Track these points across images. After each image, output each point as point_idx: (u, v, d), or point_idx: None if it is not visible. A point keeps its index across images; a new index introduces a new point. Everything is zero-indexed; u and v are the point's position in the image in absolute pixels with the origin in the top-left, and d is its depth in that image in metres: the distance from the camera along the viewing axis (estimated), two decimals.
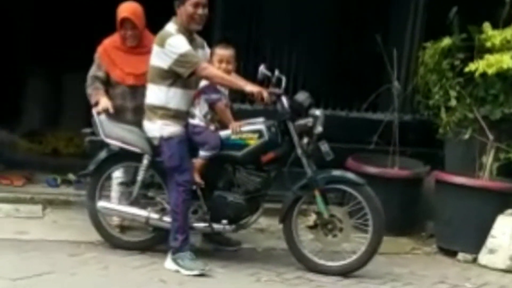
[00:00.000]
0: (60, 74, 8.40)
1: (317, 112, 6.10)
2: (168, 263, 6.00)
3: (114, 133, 6.17)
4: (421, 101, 7.71)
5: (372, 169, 7.33)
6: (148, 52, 6.12)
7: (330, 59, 8.33)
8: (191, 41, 5.99)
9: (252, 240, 6.74)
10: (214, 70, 6.01)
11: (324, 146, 6.03)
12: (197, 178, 6.06)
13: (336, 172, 6.16)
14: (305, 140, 6.05)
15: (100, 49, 6.46)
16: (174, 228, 6.00)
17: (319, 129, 6.03)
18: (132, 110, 6.37)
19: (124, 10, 6.36)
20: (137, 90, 6.31)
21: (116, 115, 6.29)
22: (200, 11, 5.96)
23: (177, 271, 5.91)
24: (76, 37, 8.13)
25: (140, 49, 6.39)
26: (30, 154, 8.34)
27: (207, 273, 5.93)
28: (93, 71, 6.45)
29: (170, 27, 5.99)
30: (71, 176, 6.97)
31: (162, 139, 5.99)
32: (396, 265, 6.61)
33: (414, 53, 8.03)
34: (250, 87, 5.93)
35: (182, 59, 5.86)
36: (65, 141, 8.47)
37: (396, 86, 7.62)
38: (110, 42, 6.47)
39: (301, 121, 6.06)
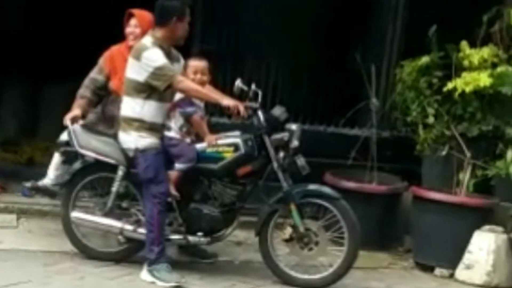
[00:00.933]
0: (37, 83, 8.36)
1: (293, 126, 6.12)
2: (144, 274, 5.93)
3: (88, 144, 6.14)
4: (399, 117, 7.78)
5: (350, 184, 7.33)
6: None
7: (309, 75, 8.35)
8: (167, 54, 5.98)
9: (229, 252, 6.70)
10: (191, 84, 6.01)
11: (300, 160, 6.05)
12: (173, 191, 6.03)
13: (312, 186, 6.16)
14: (281, 154, 6.06)
15: (106, 54, 6.49)
16: (150, 239, 5.94)
17: (295, 143, 6.04)
18: None
19: (134, 10, 6.43)
20: None
21: (105, 122, 6.31)
22: (187, 30, 6.08)
23: (153, 283, 5.85)
24: (54, 48, 8.10)
25: None
26: (5, 163, 8.25)
27: (184, 285, 5.86)
28: (93, 73, 6.46)
29: (146, 40, 5.99)
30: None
31: (138, 150, 5.96)
32: (373, 280, 6.60)
33: (392, 70, 8.09)
34: (226, 101, 5.93)
35: (158, 72, 5.84)
36: (41, 151, 8.39)
37: (374, 102, 7.65)
38: (117, 49, 6.48)
39: (278, 135, 6.07)
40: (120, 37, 6.49)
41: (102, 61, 6.50)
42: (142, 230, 6.06)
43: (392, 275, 6.86)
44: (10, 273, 5.70)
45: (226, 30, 7.87)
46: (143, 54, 5.88)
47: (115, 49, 6.50)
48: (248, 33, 7.97)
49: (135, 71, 5.93)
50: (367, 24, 8.42)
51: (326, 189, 6.20)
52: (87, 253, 6.21)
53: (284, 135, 6.05)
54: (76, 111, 6.32)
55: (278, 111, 6.19)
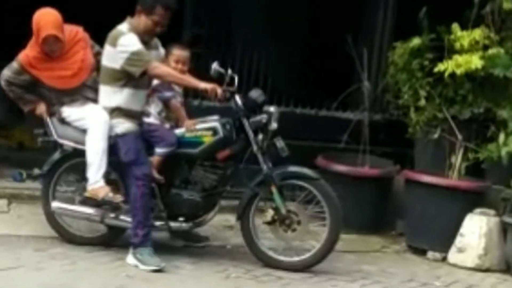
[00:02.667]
0: None
1: (271, 108, 6.13)
2: (129, 258, 5.94)
3: (67, 134, 6.11)
4: (391, 100, 7.78)
5: (342, 168, 7.34)
6: (74, 48, 6.13)
7: (300, 58, 8.36)
8: (143, 41, 5.94)
9: (221, 237, 6.70)
10: (166, 69, 5.99)
11: (279, 142, 6.06)
12: (156, 175, 6.02)
13: (292, 168, 6.16)
14: (260, 136, 6.06)
15: (24, 61, 6.12)
16: (135, 223, 5.93)
17: (274, 125, 6.06)
18: None
19: (45, 26, 6.00)
20: (75, 91, 6.19)
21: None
22: (158, 29, 5.99)
23: (136, 266, 5.85)
24: None
25: (65, 54, 6.18)
26: None
27: (175, 269, 5.87)
28: (14, 76, 6.15)
29: (123, 26, 5.97)
30: (36, 171, 6.90)
31: (117, 136, 5.96)
32: (366, 263, 6.60)
33: (384, 53, 8.07)
34: (203, 85, 5.91)
35: (133, 57, 5.83)
36: (31, 136, 8.33)
37: (366, 85, 7.64)
38: (33, 54, 6.12)
39: (256, 118, 6.07)
40: None
41: (22, 67, 6.14)
42: (123, 217, 6.07)
43: (384, 258, 6.86)
44: (1, 259, 5.68)
45: (216, 13, 7.81)
46: (119, 40, 5.87)
47: (30, 55, 6.11)
48: (239, 18, 7.95)
49: (111, 59, 5.92)
50: (359, 6, 8.40)
51: (306, 170, 6.18)
52: (68, 239, 6.21)
53: (263, 117, 6.06)
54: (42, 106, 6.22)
55: (256, 93, 6.19)
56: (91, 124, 5.94)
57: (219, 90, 5.88)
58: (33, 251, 5.95)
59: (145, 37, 5.99)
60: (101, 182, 5.97)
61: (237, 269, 6.04)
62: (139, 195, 5.90)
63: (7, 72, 6.17)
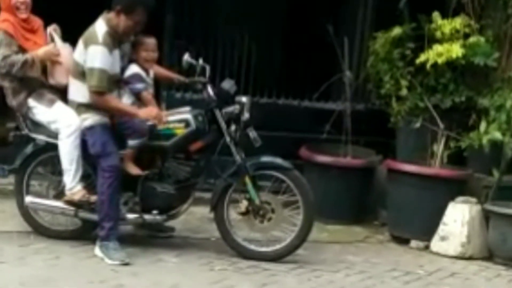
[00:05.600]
0: None
1: (244, 98, 6.14)
2: (97, 250, 5.95)
3: (38, 127, 6.09)
4: (373, 90, 7.80)
5: (325, 159, 7.37)
6: (37, 29, 6.09)
7: (281, 49, 8.34)
8: (118, 42, 5.94)
9: (205, 229, 6.70)
10: (109, 100, 5.89)
11: (252, 133, 6.08)
12: (133, 169, 6.02)
13: (265, 158, 6.18)
14: (233, 127, 6.08)
15: (7, 25, 5.98)
16: (101, 215, 5.93)
17: (246, 115, 6.07)
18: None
19: None
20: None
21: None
22: (138, 28, 5.99)
23: (102, 259, 5.86)
24: None
25: (32, 23, 6.15)
26: None
27: (160, 262, 5.89)
28: (5, 50, 5.95)
29: (100, 28, 5.90)
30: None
31: (86, 129, 5.95)
32: (350, 254, 6.63)
33: (365, 42, 8.05)
34: (143, 114, 5.91)
35: (89, 72, 5.82)
36: (13, 131, 8.29)
37: (347, 75, 7.65)
38: (10, 17, 6.02)
39: (228, 108, 6.09)
40: None
41: (9, 32, 5.97)
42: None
43: (368, 248, 6.88)
44: None
45: (197, 4, 7.77)
46: (90, 47, 5.83)
47: (10, 18, 6.00)
48: (219, 8, 7.90)
49: (81, 57, 5.91)
50: None
51: (279, 160, 6.19)
52: (43, 233, 6.21)
53: (235, 108, 6.08)
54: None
55: (228, 84, 6.22)
56: (64, 132, 5.91)
57: (161, 114, 5.94)
58: (16, 246, 5.95)
59: (124, 37, 5.99)
60: (78, 187, 5.98)
61: (222, 261, 6.05)
62: (106, 187, 5.88)
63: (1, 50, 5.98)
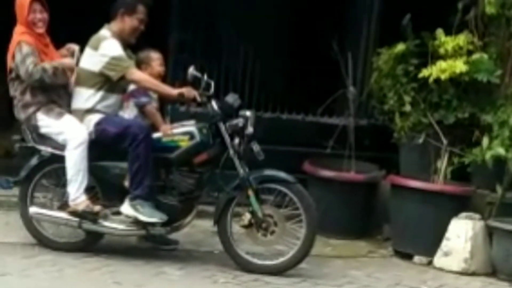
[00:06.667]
0: None
1: (248, 112, 6.18)
2: (126, 207, 5.98)
3: (44, 139, 6.11)
4: (376, 106, 7.81)
5: (328, 173, 7.38)
6: (49, 44, 6.17)
7: (286, 64, 8.37)
8: (124, 48, 6.11)
9: (208, 242, 6.69)
10: (143, 75, 6.15)
11: (256, 146, 6.10)
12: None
13: (269, 172, 6.19)
14: (237, 140, 6.11)
15: (27, 37, 6.05)
16: (140, 175, 5.92)
17: (250, 129, 6.10)
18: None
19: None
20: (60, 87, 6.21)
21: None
22: (142, 27, 6.16)
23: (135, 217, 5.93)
24: None
25: (46, 39, 6.22)
26: None
27: (163, 275, 5.88)
28: (34, 59, 5.98)
29: (105, 31, 6.12)
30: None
31: (95, 127, 6.02)
32: (353, 268, 6.61)
33: (369, 58, 8.08)
34: (178, 90, 6.04)
35: (113, 62, 5.98)
36: (18, 143, 8.32)
37: (351, 91, 7.66)
38: (27, 31, 6.08)
39: (232, 122, 6.12)
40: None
41: (32, 47, 6.02)
42: (101, 222, 6.08)
43: (371, 263, 6.87)
44: None
45: (202, 19, 7.84)
46: (101, 43, 6.01)
47: (31, 33, 6.08)
48: (224, 24, 7.97)
49: (90, 61, 6.05)
50: (343, 12, 8.42)
51: (282, 174, 6.20)
52: (47, 245, 6.22)
53: (239, 121, 6.12)
54: None
55: (232, 98, 6.26)
56: (72, 143, 5.95)
57: (195, 93, 6.01)
58: (20, 258, 5.95)
59: (131, 39, 6.17)
60: (82, 197, 6.00)
61: (225, 274, 6.04)
62: (142, 148, 5.89)
63: (29, 59, 5.98)
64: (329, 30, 7.97)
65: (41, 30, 6.11)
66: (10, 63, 6.12)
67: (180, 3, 7.80)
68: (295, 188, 6.12)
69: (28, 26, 6.08)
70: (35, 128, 6.09)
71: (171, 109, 7.63)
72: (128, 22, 6.12)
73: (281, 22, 8.21)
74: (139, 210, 5.93)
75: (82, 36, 6.20)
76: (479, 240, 6.78)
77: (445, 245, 6.81)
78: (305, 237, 6.08)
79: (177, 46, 7.80)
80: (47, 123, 6.06)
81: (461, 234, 6.77)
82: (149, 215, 5.93)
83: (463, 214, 6.85)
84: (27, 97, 6.08)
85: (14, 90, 6.14)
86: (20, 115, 6.13)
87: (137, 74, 6.06)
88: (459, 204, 6.96)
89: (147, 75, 6.20)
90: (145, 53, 6.41)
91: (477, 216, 6.85)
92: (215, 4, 7.92)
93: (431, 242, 6.86)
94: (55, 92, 6.14)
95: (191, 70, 6.15)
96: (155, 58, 6.39)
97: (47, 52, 6.16)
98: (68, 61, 6.19)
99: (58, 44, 6.32)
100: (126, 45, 6.19)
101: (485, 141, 6.97)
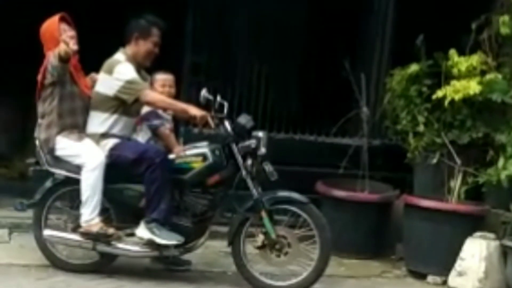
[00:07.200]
0: (27, 98, 8.38)
1: (260, 133, 6.19)
2: (142, 231, 5.99)
3: (58, 162, 6.14)
4: (390, 126, 7.81)
5: (342, 193, 7.38)
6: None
7: (299, 85, 8.41)
8: (138, 72, 6.14)
9: (221, 263, 6.69)
10: (157, 95, 6.18)
11: (268, 167, 6.10)
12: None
13: (282, 193, 6.19)
14: (249, 161, 6.12)
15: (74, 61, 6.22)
16: (157, 199, 5.95)
17: (262, 150, 6.11)
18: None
19: (52, 18, 6.15)
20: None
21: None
22: (156, 50, 6.20)
23: (150, 240, 5.95)
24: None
25: (79, 65, 6.29)
26: None
27: None
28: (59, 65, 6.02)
29: (119, 55, 6.16)
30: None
31: (110, 151, 6.05)
32: None
33: (382, 79, 8.12)
34: (194, 110, 6.03)
35: (127, 86, 6.00)
36: (33, 166, 8.39)
37: (364, 111, 7.68)
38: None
39: (245, 143, 6.14)
40: None
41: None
42: (115, 244, 6.10)
43: (385, 283, 6.86)
44: None
45: (215, 42, 7.89)
46: (115, 68, 6.04)
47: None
48: (238, 44, 8.03)
49: (105, 85, 6.08)
50: (356, 33, 8.45)
51: (296, 195, 6.20)
52: (61, 266, 6.24)
53: (251, 142, 6.12)
54: None
55: (244, 119, 6.28)
56: (89, 165, 5.98)
57: (208, 119, 6.00)
58: (34, 280, 5.97)
59: (146, 62, 6.20)
60: (96, 219, 6.03)
61: None
62: (158, 173, 5.91)
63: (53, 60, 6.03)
64: (342, 51, 8.01)
65: (75, 46, 6.15)
66: (41, 78, 6.11)
67: (193, 26, 7.86)
68: (308, 209, 6.12)
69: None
70: (50, 150, 6.12)
71: (184, 130, 7.68)
72: (143, 46, 6.15)
73: (294, 43, 8.23)
74: (155, 232, 5.94)
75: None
76: (493, 259, 6.74)
77: (459, 264, 6.77)
78: (319, 258, 6.07)
79: (190, 69, 7.86)
80: (65, 145, 6.09)
81: (476, 253, 6.73)
82: (166, 238, 5.95)
83: (478, 233, 6.82)
84: (53, 117, 6.12)
85: (42, 109, 6.18)
86: (41, 134, 6.16)
87: (150, 95, 6.09)
88: (473, 224, 6.92)
89: (159, 94, 6.22)
90: (156, 74, 6.44)
91: (491, 235, 6.81)
92: (228, 26, 7.99)
93: (445, 262, 6.82)
94: (82, 117, 6.18)
95: (204, 92, 6.18)
96: (158, 79, 6.41)
97: (79, 76, 6.21)
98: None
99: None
100: (140, 67, 6.23)
101: (500, 161, 6.96)
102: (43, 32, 6.20)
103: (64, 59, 5.92)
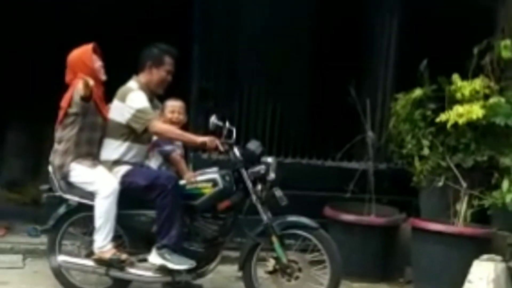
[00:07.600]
0: (40, 124, 8.47)
1: (269, 159, 6.27)
2: (154, 257, 6.04)
3: (71, 188, 6.21)
4: (395, 150, 7.89)
5: (349, 217, 7.45)
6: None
7: (306, 110, 8.49)
8: (150, 100, 6.22)
9: None
10: (165, 126, 6.23)
11: (278, 192, 6.17)
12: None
13: (292, 218, 6.26)
14: (259, 187, 6.19)
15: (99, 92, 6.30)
16: (167, 225, 6.00)
17: (272, 175, 6.18)
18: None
19: (85, 47, 6.25)
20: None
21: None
22: (169, 78, 6.28)
23: (162, 266, 6.00)
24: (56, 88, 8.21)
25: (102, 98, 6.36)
26: (10, 204, 8.34)
27: None
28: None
29: (132, 84, 6.23)
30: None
31: (122, 178, 6.10)
32: None
33: (387, 103, 8.23)
34: (201, 139, 6.11)
35: (138, 115, 6.07)
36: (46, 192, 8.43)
37: (370, 135, 7.77)
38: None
39: (254, 169, 6.21)
40: None
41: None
42: (128, 269, 6.15)
43: None
44: None
45: (222, 68, 8.00)
46: (128, 95, 6.11)
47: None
48: (245, 71, 8.12)
49: (118, 113, 6.15)
50: (361, 58, 8.55)
51: (306, 220, 6.28)
52: None
53: (261, 168, 6.20)
54: None
55: (254, 145, 6.34)
56: (102, 193, 6.04)
57: (217, 142, 6.08)
58: None
59: (159, 90, 6.29)
60: (109, 246, 6.09)
61: None
62: (169, 199, 5.97)
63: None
64: (347, 76, 8.09)
65: (104, 76, 6.27)
66: (66, 105, 6.15)
67: (200, 52, 7.97)
68: (318, 233, 6.19)
69: (93, 75, 6.15)
70: (64, 176, 6.17)
71: (193, 156, 7.77)
72: (156, 74, 6.23)
73: (300, 69, 8.33)
74: (167, 258, 6.00)
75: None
76: (501, 282, 6.76)
77: (467, 287, 6.83)
78: (329, 282, 6.13)
79: (198, 94, 7.96)
80: (79, 171, 6.15)
81: (483, 276, 6.75)
82: (178, 263, 6.01)
83: (485, 256, 6.84)
84: (70, 145, 6.17)
85: (61, 134, 6.21)
86: (55, 160, 6.21)
87: (158, 126, 6.13)
88: (480, 246, 6.97)
89: (168, 125, 6.30)
90: (166, 101, 6.52)
91: (498, 258, 6.84)
92: (235, 52, 8.08)
93: (453, 284, 6.84)
94: (99, 147, 6.25)
95: (213, 119, 6.26)
96: (167, 105, 6.50)
97: (103, 106, 6.27)
98: None
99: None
100: (153, 95, 6.32)
101: (505, 184, 7.00)
102: (74, 60, 6.25)
103: (86, 99, 6.02)
